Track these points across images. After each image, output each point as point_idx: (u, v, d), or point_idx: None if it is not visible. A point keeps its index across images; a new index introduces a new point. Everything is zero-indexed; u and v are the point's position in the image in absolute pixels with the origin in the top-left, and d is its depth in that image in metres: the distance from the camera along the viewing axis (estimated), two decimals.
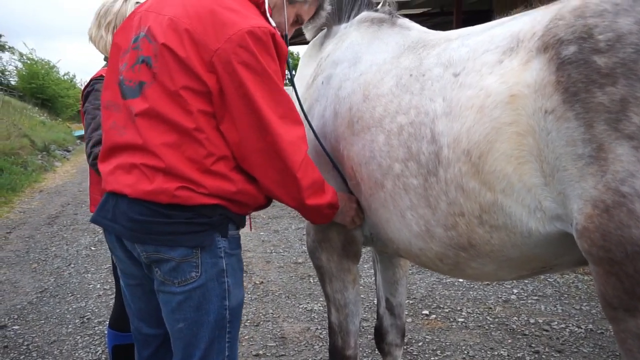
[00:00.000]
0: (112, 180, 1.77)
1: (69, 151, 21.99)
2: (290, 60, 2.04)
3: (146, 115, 1.69)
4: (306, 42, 2.78)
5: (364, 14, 2.39)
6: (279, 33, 1.78)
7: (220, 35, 1.65)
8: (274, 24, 1.84)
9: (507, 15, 1.89)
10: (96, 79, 2.72)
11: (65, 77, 41.00)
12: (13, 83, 34.01)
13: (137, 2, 2.75)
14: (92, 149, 2.55)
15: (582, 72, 1.43)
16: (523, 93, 1.54)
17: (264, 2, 1.86)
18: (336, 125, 2.14)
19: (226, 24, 1.66)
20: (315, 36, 2.69)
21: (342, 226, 2.20)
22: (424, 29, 2.25)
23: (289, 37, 2.12)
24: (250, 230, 2.22)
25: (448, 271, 1.99)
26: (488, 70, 1.66)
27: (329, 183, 2.00)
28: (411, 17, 2.39)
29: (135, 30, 1.81)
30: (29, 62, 33.86)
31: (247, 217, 1.97)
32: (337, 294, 2.35)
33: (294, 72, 2.35)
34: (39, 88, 32.64)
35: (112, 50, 1.90)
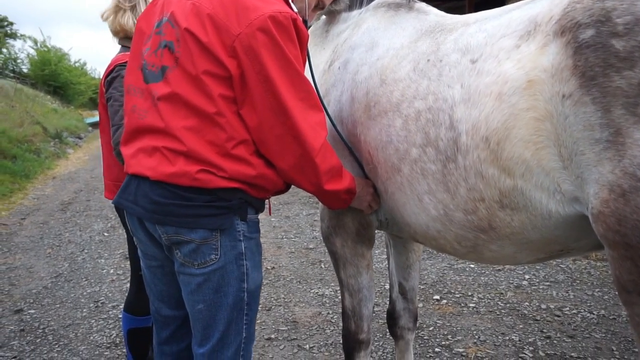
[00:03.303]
0: (134, 163, 1.79)
1: (80, 138, 22.14)
2: None
3: (168, 99, 1.71)
4: None
5: None
6: (300, 18, 1.78)
7: (242, 20, 1.66)
8: (295, 10, 1.84)
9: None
10: (120, 65, 2.70)
11: (76, 64, 41.09)
12: (25, 71, 34.13)
13: None
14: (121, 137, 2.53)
15: (600, 56, 1.42)
16: (540, 78, 1.54)
17: None
18: (353, 109, 2.15)
19: (248, 8, 1.67)
20: (317, 19, 2.67)
21: (357, 211, 2.21)
22: (442, 12, 2.24)
23: (309, 22, 2.12)
24: (270, 214, 2.23)
25: (465, 254, 2.00)
26: (505, 56, 1.65)
27: (345, 168, 2.00)
28: (424, 1, 2.37)
29: (158, 16, 1.82)
30: (43, 49, 33.94)
31: (267, 201, 1.99)
32: (350, 279, 2.37)
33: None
34: (51, 75, 32.77)
35: (135, 35, 1.92)
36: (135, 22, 2.73)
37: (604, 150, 1.42)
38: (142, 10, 2.73)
